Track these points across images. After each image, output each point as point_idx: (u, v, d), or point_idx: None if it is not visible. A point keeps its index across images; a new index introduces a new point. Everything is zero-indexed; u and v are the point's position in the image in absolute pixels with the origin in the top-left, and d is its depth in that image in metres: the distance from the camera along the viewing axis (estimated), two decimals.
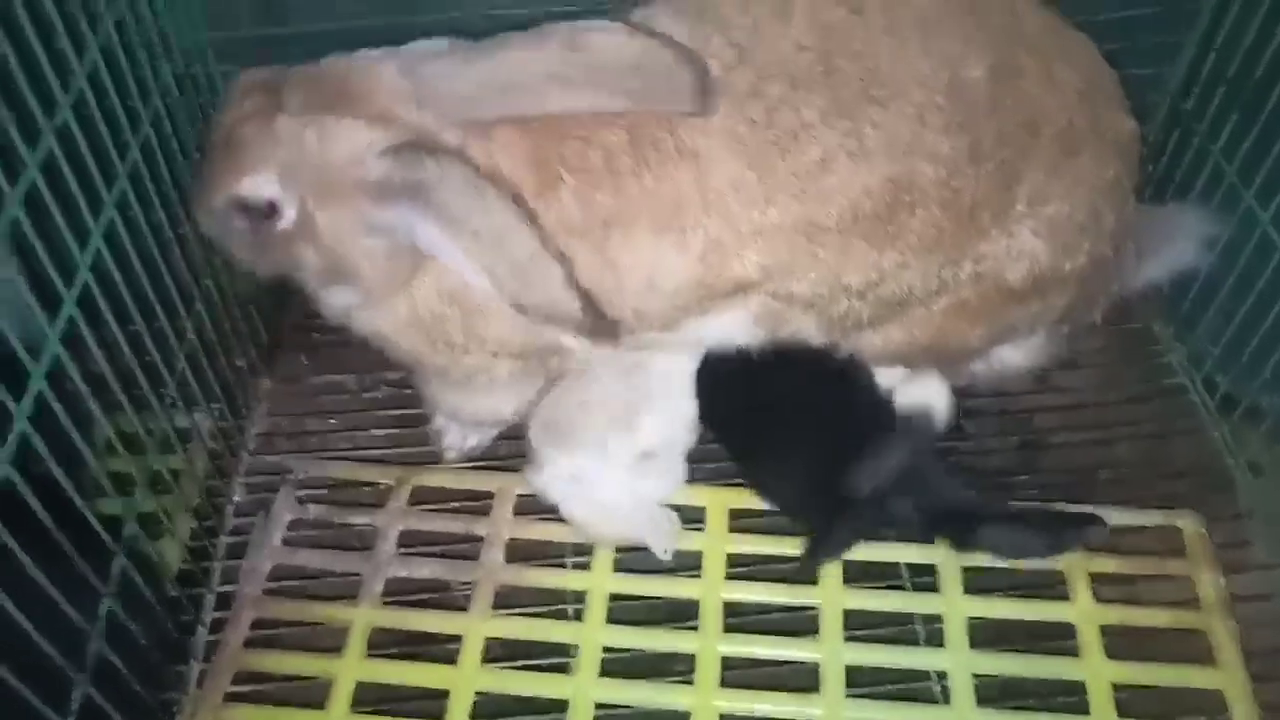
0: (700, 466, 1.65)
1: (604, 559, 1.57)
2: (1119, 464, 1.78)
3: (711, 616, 1.50)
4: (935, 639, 1.49)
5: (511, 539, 1.60)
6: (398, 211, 1.28)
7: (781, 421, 1.57)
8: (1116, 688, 1.41)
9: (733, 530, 1.60)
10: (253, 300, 1.91)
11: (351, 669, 1.45)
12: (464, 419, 1.76)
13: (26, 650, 1.12)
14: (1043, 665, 1.45)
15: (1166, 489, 1.71)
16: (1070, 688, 1.43)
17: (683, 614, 1.52)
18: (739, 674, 1.45)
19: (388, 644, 1.50)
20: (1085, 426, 1.83)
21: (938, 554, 1.55)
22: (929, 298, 1.47)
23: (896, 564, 1.58)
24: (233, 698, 1.43)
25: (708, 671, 1.44)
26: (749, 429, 1.60)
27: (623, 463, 1.57)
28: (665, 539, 1.56)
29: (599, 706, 1.42)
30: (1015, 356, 1.71)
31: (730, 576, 1.55)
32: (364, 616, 1.50)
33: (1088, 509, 1.52)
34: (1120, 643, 1.46)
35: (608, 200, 1.32)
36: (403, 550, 1.60)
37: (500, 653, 1.49)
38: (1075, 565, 1.53)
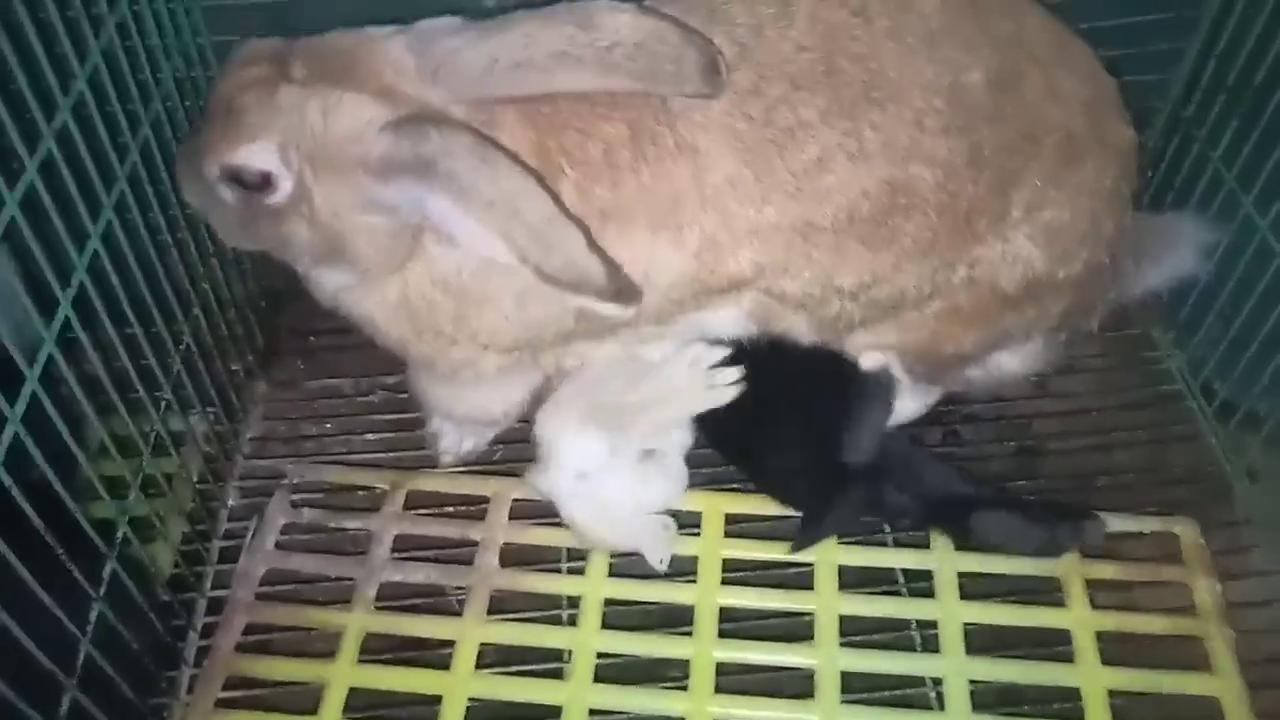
0: (697, 471, 1.65)
1: (599, 564, 1.56)
2: (1117, 470, 1.78)
3: (707, 622, 1.49)
4: (931, 644, 1.49)
5: (506, 544, 1.59)
6: (403, 188, 1.25)
7: (770, 413, 1.58)
8: (1112, 694, 1.41)
9: (728, 535, 1.60)
10: (249, 304, 1.91)
11: (344, 674, 1.44)
12: (457, 417, 1.75)
13: (15, 655, 1.11)
14: (1038, 671, 1.44)
15: (1164, 495, 1.71)
16: (1066, 694, 1.42)
17: (678, 619, 1.51)
18: (734, 679, 1.45)
19: (381, 649, 1.49)
20: (1083, 432, 1.83)
21: (934, 559, 1.55)
22: (922, 301, 1.47)
23: (892, 569, 1.58)
24: (224, 703, 1.42)
25: (703, 677, 1.44)
26: (740, 427, 1.60)
27: (628, 462, 1.56)
28: (661, 549, 1.55)
29: (593, 712, 1.41)
30: (1012, 362, 1.71)
31: (726, 581, 1.54)
32: (357, 621, 1.50)
33: (1087, 510, 1.52)
34: (1116, 649, 1.46)
35: (605, 194, 1.32)
36: (397, 555, 1.59)
37: (494, 658, 1.48)
38: (1071, 571, 1.52)
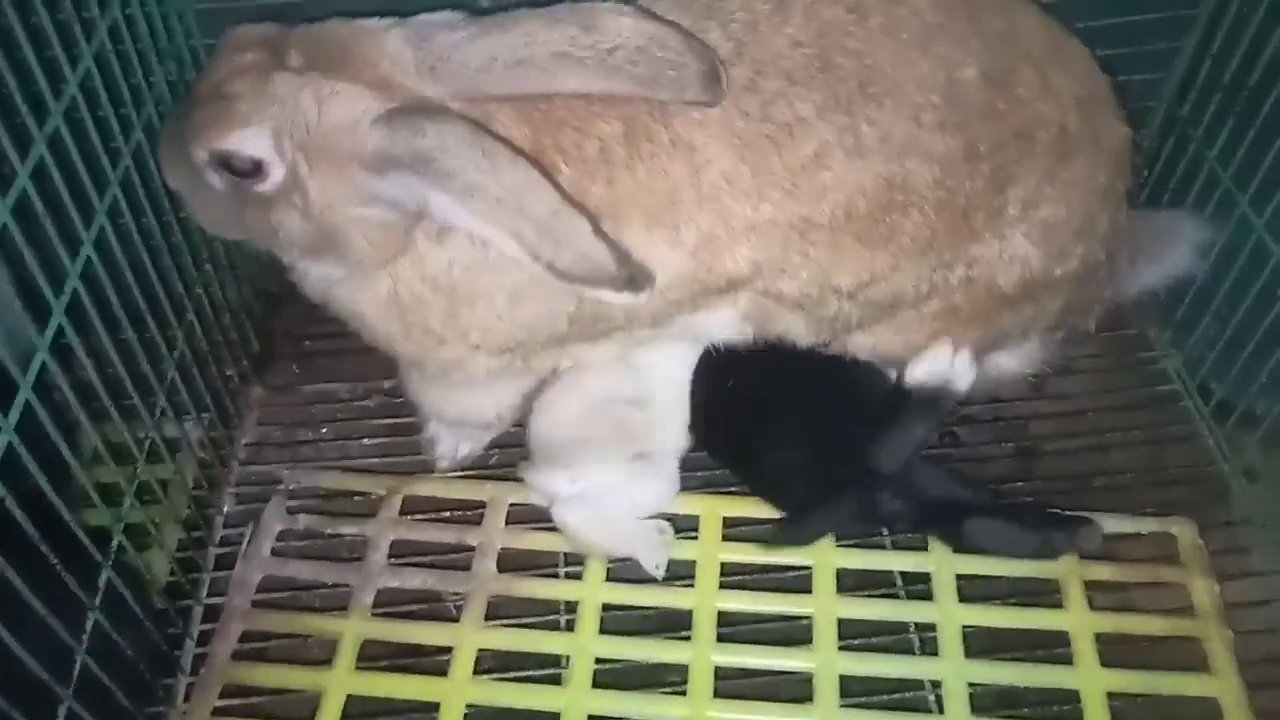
0: (693, 475, 1.65)
1: (596, 569, 1.56)
2: (1114, 470, 1.78)
3: (705, 626, 1.49)
4: (929, 647, 1.48)
5: (503, 549, 1.59)
6: (401, 182, 1.23)
7: (771, 412, 1.58)
8: (1111, 696, 1.41)
9: (726, 539, 1.59)
10: (244, 309, 1.91)
11: (341, 681, 1.44)
12: (449, 420, 1.75)
13: (10, 664, 1.11)
14: (1037, 673, 1.44)
15: (1161, 495, 1.70)
16: (1065, 696, 1.42)
17: (676, 624, 1.51)
18: (732, 684, 1.45)
19: (378, 656, 1.49)
20: (1080, 433, 1.83)
21: (932, 562, 1.54)
22: (920, 301, 1.47)
23: (890, 572, 1.58)
24: (221, 712, 1.42)
25: (701, 682, 1.43)
26: (741, 425, 1.60)
27: (622, 466, 1.56)
28: (657, 555, 1.55)
29: (592, 718, 1.41)
30: (1009, 362, 1.71)
31: (724, 586, 1.54)
32: (354, 628, 1.49)
33: (1082, 515, 1.51)
34: (1115, 650, 1.45)
35: (601, 191, 1.31)
36: (394, 560, 1.59)
37: (492, 664, 1.48)
38: (1070, 573, 1.52)
